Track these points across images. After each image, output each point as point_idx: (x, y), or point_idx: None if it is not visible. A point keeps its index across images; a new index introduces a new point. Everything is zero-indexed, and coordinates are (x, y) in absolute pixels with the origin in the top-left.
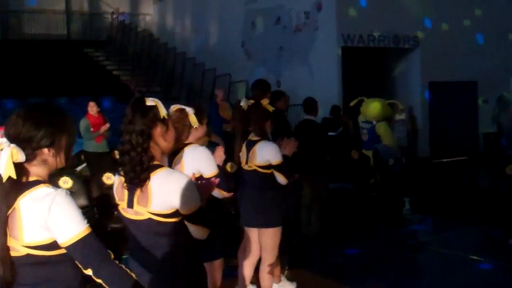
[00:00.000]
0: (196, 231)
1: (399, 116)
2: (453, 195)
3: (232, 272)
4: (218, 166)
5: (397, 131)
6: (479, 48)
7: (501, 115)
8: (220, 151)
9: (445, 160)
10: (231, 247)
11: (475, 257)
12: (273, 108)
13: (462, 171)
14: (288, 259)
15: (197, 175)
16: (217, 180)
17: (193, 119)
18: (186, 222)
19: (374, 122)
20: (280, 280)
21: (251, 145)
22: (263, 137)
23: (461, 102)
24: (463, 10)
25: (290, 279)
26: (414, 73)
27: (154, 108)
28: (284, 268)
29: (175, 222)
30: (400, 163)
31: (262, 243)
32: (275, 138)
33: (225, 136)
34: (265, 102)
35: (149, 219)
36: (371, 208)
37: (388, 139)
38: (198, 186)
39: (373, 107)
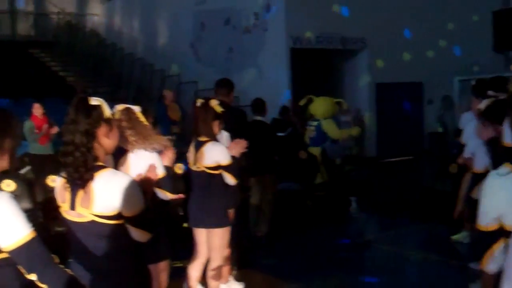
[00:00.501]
0: (137, 234)
1: (344, 118)
2: (399, 194)
3: (179, 274)
4: (167, 167)
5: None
6: (424, 49)
7: (445, 115)
8: (170, 153)
9: (391, 159)
10: (177, 249)
11: (419, 254)
12: (222, 109)
13: (408, 170)
14: (236, 259)
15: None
16: (157, 177)
17: (142, 116)
18: (127, 225)
19: (321, 120)
20: (228, 281)
21: (199, 145)
22: (211, 137)
23: (407, 102)
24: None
25: (238, 279)
26: (361, 74)
27: (98, 107)
28: (232, 269)
29: (118, 224)
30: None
31: (210, 243)
32: (235, 137)
33: (174, 137)
34: (213, 102)
35: (92, 221)
36: (319, 207)
37: (335, 133)
38: (140, 184)
39: (320, 105)
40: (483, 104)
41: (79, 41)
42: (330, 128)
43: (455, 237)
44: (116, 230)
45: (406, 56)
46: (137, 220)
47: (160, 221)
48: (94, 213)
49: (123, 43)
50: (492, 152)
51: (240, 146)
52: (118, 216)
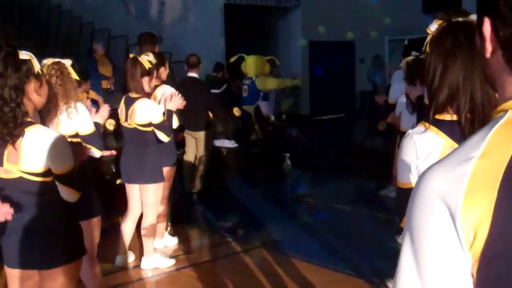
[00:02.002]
0: (66, 193)
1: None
2: (330, 151)
3: (111, 230)
4: (97, 123)
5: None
6: (357, 9)
7: (376, 74)
8: (104, 109)
9: (324, 117)
10: (110, 205)
11: (348, 208)
12: (151, 66)
13: (339, 128)
14: (171, 215)
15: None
16: (90, 150)
17: (72, 71)
18: (57, 183)
19: (254, 78)
20: (163, 236)
21: (130, 102)
22: (142, 94)
23: (340, 62)
24: None
25: (172, 234)
26: (295, 33)
27: (28, 62)
28: (167, 224)
29: (47, 181)
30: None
31: (143, 199)
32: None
33: (105, 93)
34: (143, 58)
35: (20, 177)
36: (253, 164)
37: (271, 84)
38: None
39: (251, 63)
40: (402, 63)
41: None
42: (265, 83)
43: (382, 192)
44: (45, 187)
45: (339, 15)
46: (66, 178)
47: (91, 178)
48: (22, 170)
49: None
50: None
51: (177, 101)
52: (46, 173)
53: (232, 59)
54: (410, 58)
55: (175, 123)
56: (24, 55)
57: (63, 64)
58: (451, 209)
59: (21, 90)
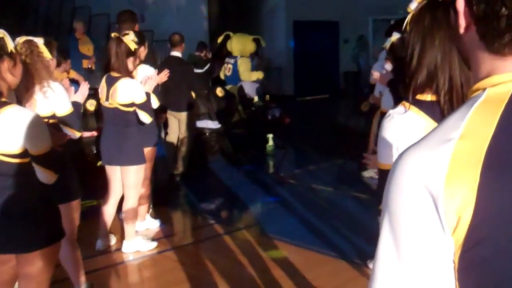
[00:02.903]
0: (43, 175)
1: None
2: (314, 132)
3: (92, 213)
4: (75, 103)
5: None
6: None
7: (360, 54)
8: (84, 88)
9: (308, 98)
10: (91, 187)
11: (329, 188)
12: (136, 46)
13: (323, 109)
14: (152, 197)
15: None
16: (67, 136)
17: (44, 49)
18: (34, 165)
19: (238, 57)
20: (144, 219)
21: (112, 81)
22: (126, 74)
23: (323, 42)
24: None
25: (153, 217)
26: (279, 12)
27: (0, 40)
28: (149, 207)
29: (24, 162)
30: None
31: (124, 181)
32: None
33: (86, 72)
34: (127, 38)
35: None
36: (236, 145)
37: (245, 76)
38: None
39: (237, 42)
40: (387, 43)
41: None
42: (243, 70)
43: (365, 173)
44: (22, 169)
45: None
46: (43, 159)
47: (70, 160)
48: None
49: None
50: (392, 92)
51: (152, 81)
52: (23, 154)
53: (219, 39)
54: (394, 37)
55: (155, 103)
56: None
57: (35, 42)
58: (433, 194)
59: None
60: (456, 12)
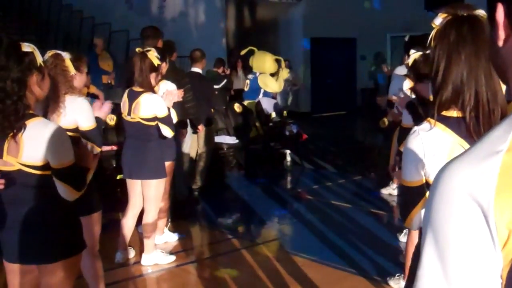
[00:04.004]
0: (63, 190)
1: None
2: (331, 148)
3: (111, 226)
4: (99, 119)
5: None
6: (359, 5)
7: (377, 71)
8: (106, 106)
9: (325, 114)
10: (110, 200)
11: (348, 205)
12: (159, 62)
13: (340, 125)
14: (171, 211)
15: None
16: (96, 157)
17: (69, 64)
18: (55, 179)
19: (257, 74)
20: (163, 233)
21: (134, 96)
22: (148, 88)
23: (341, 58)
24: None
25: (172, 231)
26: (296, 28)
27: (30, 54)
28: (167, 220)
29: (46, 174)
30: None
31: (145, 194)
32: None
33: (105, 87)
34: (152, 54)
35: (19, 170)
36: (253, 160)
37: (272, 87)
38: (78, 154)
39: (260, 59)
40: (410, 59)
41: None
42: (266, 82)
43: (383, 190)
44: (44, 181)
45: (340, 11)
46: (63, 174)
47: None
48: (22, 162)
49: None
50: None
51: (171, 97)
52: (45, 167)
53: (243, 52)
54: (417, 54)
55: (175, 118)
56: (26, 47)
57: (61, 56)
58: (483, 207)
59: (23, 83)
60: (494, 23)
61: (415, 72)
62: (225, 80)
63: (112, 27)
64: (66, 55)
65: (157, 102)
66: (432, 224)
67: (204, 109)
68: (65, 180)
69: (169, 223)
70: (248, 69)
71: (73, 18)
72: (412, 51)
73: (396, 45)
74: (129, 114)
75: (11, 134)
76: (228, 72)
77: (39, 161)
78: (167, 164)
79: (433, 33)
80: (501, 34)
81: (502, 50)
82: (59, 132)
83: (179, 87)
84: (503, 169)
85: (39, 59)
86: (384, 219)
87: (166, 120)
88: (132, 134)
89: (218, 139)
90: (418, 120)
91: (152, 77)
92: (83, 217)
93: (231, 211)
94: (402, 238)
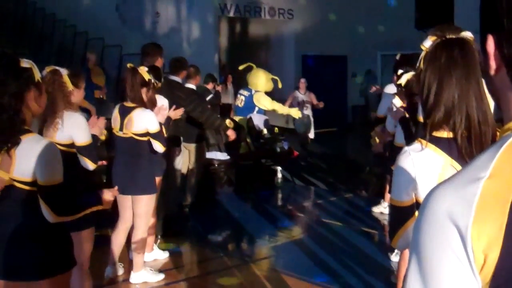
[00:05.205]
0: (44, 210)
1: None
2: (322, 165)
3: (101, 242)
4: (95, 136)
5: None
6: (350, 23)
7: (368, 88)
8: (101, 122)
9: (316, 131)
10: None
11: (338, 223)
12: (150, 77)
13: (331, 142)
14: (161, 228)
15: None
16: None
17: (67, 80)
18: (39, 197)
19: (253, 91)
20: (152, 249)
21: (126, 111)
22: (140, 104)
23: (332, 75)
24: None
25: (161, 248)
26: (287, 46)
27: (28, 70)
28: (156, 237)
29: (36, 190)
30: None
31: (135, 210)
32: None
33: (97, 102)
34: (143, 69)
35: (11, 185)
36: (244, 176)
37: (266, 104)
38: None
39: (257, 76)
40: (403, 79)
41: None
42: (261, 100)
43: (374, 208)
44: (33, 196)
45: (331, 29)
46: (47, 193)
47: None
48: (13, 177)
49: (44, 2)
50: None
51: (164, 113)
52: (35, 183)
53: (242, 67)
54: (410, 74)
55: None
56: (25, 63)
57: (59, 72)
58: (461, 231)
59: (20, 98)
60: (485, 53)
61: (408, 92)
62: (211, 95)
63: (105, 42)
64: (64, 71)
65: (149, 117)
66: (416, 245)
67: (196, 125)
68: (46, 199)
69: (159, 240)
70: (239, 84)
71: (66, 33)
72: (400, 71)
73: (387, 63)
74: (121, 129)
75: (5, 148)
76: (219, 88)
77: (29, 177)
78: (157, 179)
79: (422, 55)
80: (492, 64)
81: (494, 79)
82: (51, 149)
83: (186, 104)
84: (483, 195)
85: (37, 75)
86: (376, 238)
87: (158, 136)
88: (123, 150)
89: (209, 155)
90: (409, 137)
91: (143, 92)
92: (73, 233)
93: (222, 228)
94: (394, 257)
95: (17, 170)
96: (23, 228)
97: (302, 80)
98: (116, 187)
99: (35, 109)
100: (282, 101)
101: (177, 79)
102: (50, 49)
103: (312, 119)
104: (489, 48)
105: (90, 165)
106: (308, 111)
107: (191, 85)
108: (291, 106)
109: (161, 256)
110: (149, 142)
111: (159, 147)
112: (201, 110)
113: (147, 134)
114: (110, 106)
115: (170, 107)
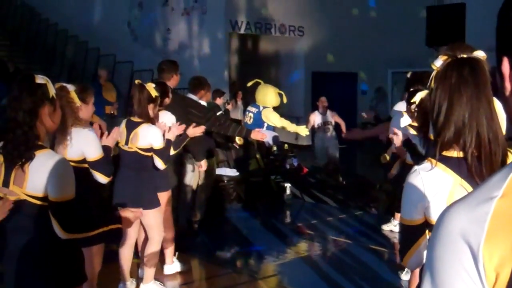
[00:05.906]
0: (54, 225)
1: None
2: (332, 182)
3: (109, 257)
4: (107, 147)
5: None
6: (361, 40)
7: (378, 106)
8: (115, 133)
9: None
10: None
11: (348, 240)
12: (157, 94)
13: (341, 159)
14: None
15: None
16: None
17: (74, 96)
18: (50, 212)
19: (261, 108)
20: (172, 262)
21: (132, 126)
22: (146, 119)
23: (342, 92)
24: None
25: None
26: (298, 62)
27: (43, 86)
28: (175, 250)
29: (47, 205)
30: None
31: (145, 223)
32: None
33: (108, 118)
34: (150, 85)
35: (24, 200)
36: (253, 193)
37: (274, 120)
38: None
39: (265, 92)
40: (417, 97)
41: (10, 14)
42: (269, 116)
43: (384, 226)
44: (45, 211)
45: (342, 46)
46: (57, 209)
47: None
48: (26, 193)
49: (57, 18)
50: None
51: (175, 130)
52: (47, 198)
53: (249, 84)
54: (424, 92)
55: (172, 151)
56: (40, 79)
57: (66, 88)
58: (473, 250)
59: (35, 114)
60: (501, 75)
61: (422, 110)
62: (220, 112)
63: (116, 58)
64: (71, 87)
65: (154, 133)
66: (429, 262)
67: (206, 141)
68: (56, 215)
69: (177, 253)
70: (249, 100)
71: (78, 49)
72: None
73: (397, 80)
74: (126, 143)
75: (20, 163)
76: (229, 106)
77: (41, 192)
78: (163, 194)
79: (433, 74)
80: (507, 85)
81: (510, 100)
82: (63, 165)
83: (204, 121)
84: (495, 214)
85: (52, 91)
86: (385, 256)
87: (161, 152)
88: (127, 164)
89: (219, 171)
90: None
91: (150, 108)
92: (84, 248)
93: (230, 245)
94: (404, 276)
95: (29, 185)
96: (34, 243)
97: (323, 99)
98: (141, 209)
99: (49, 124)
100: (291, 118)
101: (194, 97)
102: (62, 65)
103: (336, 142)
104: (505, 69)
105: (103, 179)
106: (330, 133)
107: (202, 102)
108: (312, 129)
109: (178, 269)
110: (152, 158)
111: (160, 164)
112: (220, 124)
113: (151, 149)
114: (120, 121)
115: (182, 123)
